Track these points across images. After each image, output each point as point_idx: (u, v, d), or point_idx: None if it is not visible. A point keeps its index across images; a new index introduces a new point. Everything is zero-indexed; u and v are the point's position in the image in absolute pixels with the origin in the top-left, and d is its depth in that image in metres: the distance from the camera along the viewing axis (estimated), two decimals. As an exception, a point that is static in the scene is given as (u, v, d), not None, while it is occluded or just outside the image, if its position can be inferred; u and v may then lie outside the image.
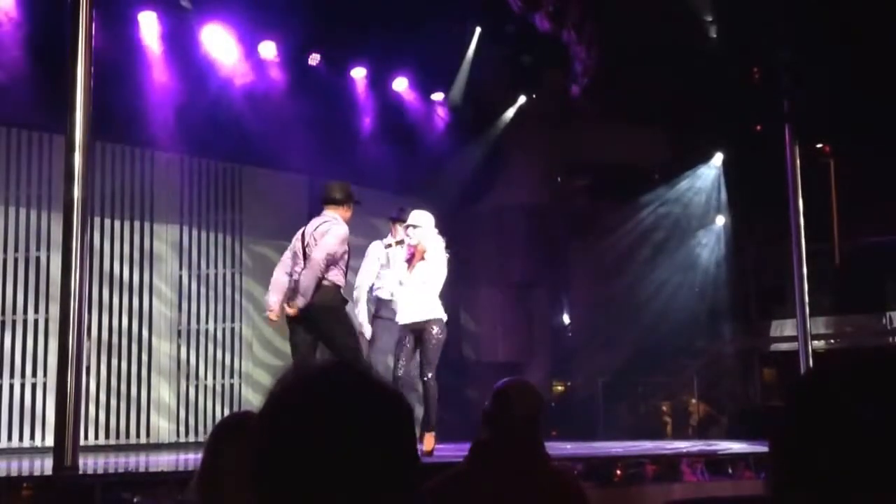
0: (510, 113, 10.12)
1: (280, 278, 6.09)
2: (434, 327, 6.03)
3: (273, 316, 6.18)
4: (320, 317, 5.78)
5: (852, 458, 1.01)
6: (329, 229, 5.89)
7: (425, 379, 6.02)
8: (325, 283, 5.80)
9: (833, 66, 7.91)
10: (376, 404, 1.09)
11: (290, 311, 5.85)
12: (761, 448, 6.47)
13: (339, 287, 5.90)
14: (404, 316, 6.10)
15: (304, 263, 5.90)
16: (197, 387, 8.92)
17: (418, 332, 6.05)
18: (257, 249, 9.33)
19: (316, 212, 7.36)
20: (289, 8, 7.91)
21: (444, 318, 6.13)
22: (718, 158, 10.43)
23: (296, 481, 1.05)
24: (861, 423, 1.02)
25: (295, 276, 5.97)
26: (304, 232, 6.07)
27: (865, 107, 8.35)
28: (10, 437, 7.82)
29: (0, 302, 7.94)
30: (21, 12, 7.19)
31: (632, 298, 10.17)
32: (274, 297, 6.08)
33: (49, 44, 6.08)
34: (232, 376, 9.06)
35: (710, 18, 7.89)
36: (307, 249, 5.92)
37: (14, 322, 7.97)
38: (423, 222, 6.18)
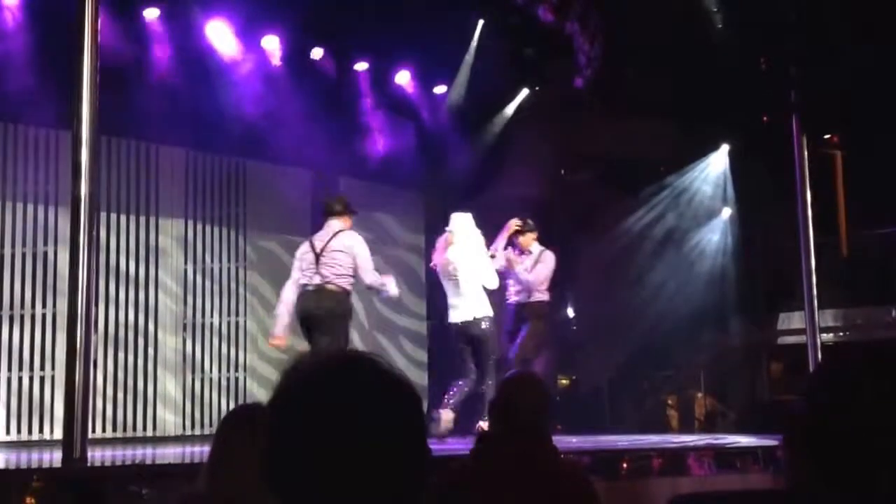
0: (513, 106, 10.09)
1: (290, 298, 6.31)
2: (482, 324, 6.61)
3: (281, 344, 6.40)
4: (336, 323, 6.12)
5: (871, 452, 1.00)
6: (354, 242, 6.26)
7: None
8: (346, 289, 6.20)
9: (841, 55, 7.87)
10: (387, 396, 1.08)
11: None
12: (769, 442, 6.45)
13: (350, 293, 6.28)
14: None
15: (318, 268, 6.17)
16: (202, 380, 8.95)
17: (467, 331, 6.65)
18: (261, 244, 9.36)
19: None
20: (291, 1, 7.91)
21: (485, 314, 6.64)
22: (725, 150, 10.38)
23: (304, 473, 1.04)
24: (879, 417, 1.01)
25: (310, 286, 6.20)
26: (312, 243, 6.32)
27: (874, 95, 8.30)
28: (19, 430, 7.87)
29: (9, 296, 7.99)
30: (26, 7, 7.20)
31: (637, 292, 10.14)
32: (284, 321, 6.34)
33: (55, 39, 6.09)
34: (237, 370, 9.10)
35: (715, 8, 7.85)
36: (323, 257, 6.20)
37: (22, 316, 8.02)
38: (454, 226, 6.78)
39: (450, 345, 10.42)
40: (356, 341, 9.57)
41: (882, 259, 10.09)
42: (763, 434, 7.16)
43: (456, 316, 6.71)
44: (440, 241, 6.84)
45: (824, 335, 8.58)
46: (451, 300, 6.75)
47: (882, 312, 9.81)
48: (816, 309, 8.08)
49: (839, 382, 1.07)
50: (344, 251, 6.21)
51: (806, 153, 8.10)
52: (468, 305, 6.65)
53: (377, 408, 1.06)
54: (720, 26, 7.82)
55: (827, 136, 9.82)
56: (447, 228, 6.81)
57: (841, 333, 9.77)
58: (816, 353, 7.84)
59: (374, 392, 1.08)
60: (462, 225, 6.76)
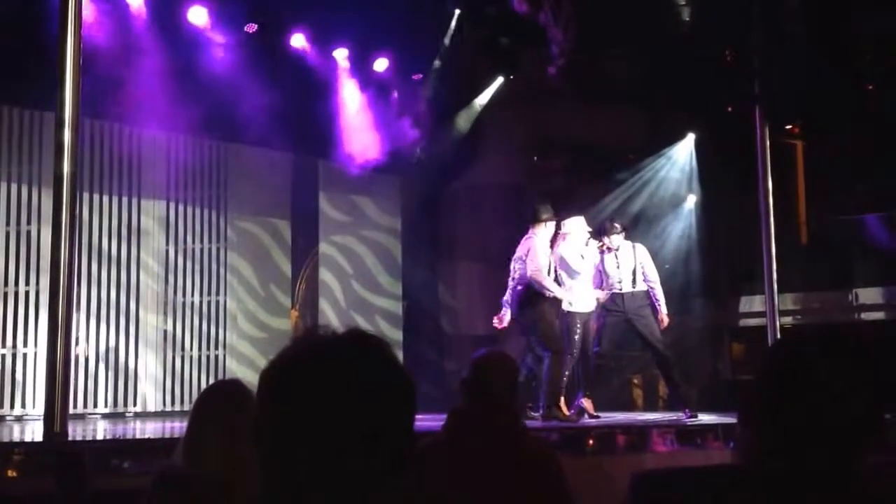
0: (488, 94, 10.23)
1: None
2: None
3: None
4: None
5: (822, 424, 1.06)
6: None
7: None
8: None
9: (803, 48, 8.06)
10: (378, 377, 1.09)
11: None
12: (729, 419, 6.67)
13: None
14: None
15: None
16: (183, 358, 9.11)
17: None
18: (242, 225, 9.50)
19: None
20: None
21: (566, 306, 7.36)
22: (691, 139, 10.60)
23: (290, 440, 1.07)
24: (830, 391, 1.07)
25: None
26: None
27: (835, 86, 8.50)
28: (1, 405, 8.01)
29: (-9, 274, 8.09)
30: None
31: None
32: None
33: (39, 22, 6.17)
34: (217, 348, 9.26)
35: (682, 1, 8.01)
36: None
37: (5, 294, 8.15)
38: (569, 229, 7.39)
39: (424, 325, 10.63)
40: (332, 320, 9.75)
41: (840, 245, 10.33)
42: (723, 412, 7.40)
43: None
44: None
45: (784, 318, 8.83)
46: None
47: (839, 297, 10.07)
48: (776, 293, 8.34)
49: (792, 362, 1.12)
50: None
51: (768, 143, 8.32)
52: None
53: (373, 389, 1.07)
54: (687, 19, 8.00)
55: (788, 127, 10.02)
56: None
57: (799, 316, 10.03)
58: (776, 335, 8.09)
59: (373, 373, 1.09)
60: (570, 226, 7.39)
